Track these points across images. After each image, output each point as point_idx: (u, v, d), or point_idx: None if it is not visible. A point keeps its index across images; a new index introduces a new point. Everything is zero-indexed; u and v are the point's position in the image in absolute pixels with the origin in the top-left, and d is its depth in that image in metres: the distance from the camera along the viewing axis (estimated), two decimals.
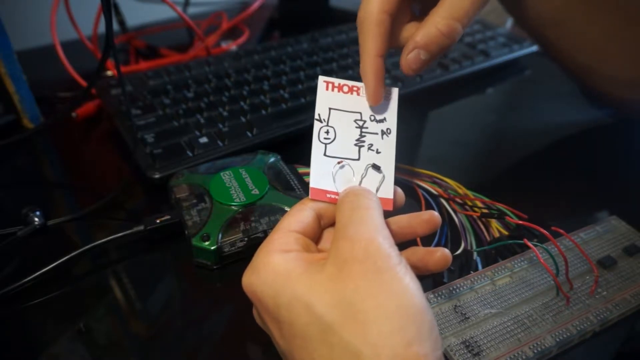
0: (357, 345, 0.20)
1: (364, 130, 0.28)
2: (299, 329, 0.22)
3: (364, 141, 0.28)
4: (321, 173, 0.27)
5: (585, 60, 0.43)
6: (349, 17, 0.67)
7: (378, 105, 0.28)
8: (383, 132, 0.28)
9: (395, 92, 0.29)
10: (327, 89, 0.28)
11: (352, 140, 0.28)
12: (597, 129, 0.49)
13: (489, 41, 0.59)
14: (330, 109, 0.28)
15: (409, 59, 0.28)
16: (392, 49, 0.30)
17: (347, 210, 0.25)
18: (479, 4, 0.27)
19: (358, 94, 0.29)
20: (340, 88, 0.28)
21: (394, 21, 0.29)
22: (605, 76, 0.44)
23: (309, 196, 0.27)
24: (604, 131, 0.49)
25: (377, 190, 0.27)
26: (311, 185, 0.27)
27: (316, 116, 0.28)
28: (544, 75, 0.56)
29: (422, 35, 0.27)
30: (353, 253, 0.22)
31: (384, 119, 0.28)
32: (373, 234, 0.23)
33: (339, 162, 0.27)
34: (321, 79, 0.28)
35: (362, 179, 0.27)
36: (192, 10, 0.71)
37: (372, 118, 0.28)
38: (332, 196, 0.27)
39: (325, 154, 0.28)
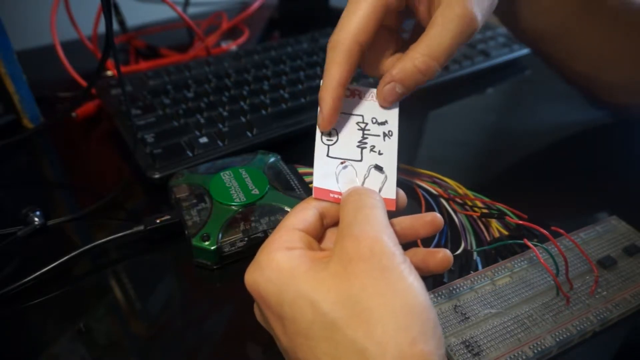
0: (362, 342, 0.20)
1: (366, 132, 0.28)
2: (303, 327, 0.22)
3: (366, 143, 0.28)
4: (324, 173, 0.27)
5: (584, 69, 0.43)
6: None
7: (380, 108, 0.29)
8: (385, 134, 0.28)
9: None
10: None
11: (354, 141, 0.28)
12: (597, 129, 0.49)
13: (489, 41, 0.59)
14: None
15: (385, 91, 0.28)
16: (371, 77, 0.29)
17: (352, 209, 0.25)
18: (458, 43, 0.27)
19: (360, 97, 0.29)
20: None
21: (376, 51, 0.29)
22: (604, 84, 0.44)
23: (313, 195, 0.27)
24: (604, 131, 0.49)
25: (379, 191, 0.27)
26: (314, 184, 0.27)
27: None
28: (544, 75, 0.56)
29: (399, 70, 0.27)
30: (358, 251, 0.22)
31: (386, 121, 0.29)
32: (378, 232, 0.23)
33: (341, 163, 0.28)
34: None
35: (364, 179, 0.28)
36: (192, 10, 0.71)
37: (374, 120, 0.29)
38: (335, 196, 0.27)
39: (328, 155, 0.28)
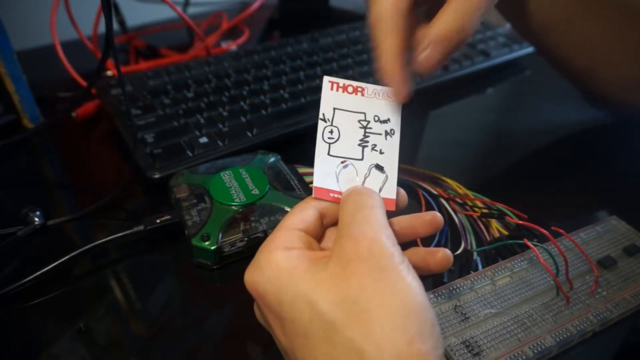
0: (360, 343, 0.20)
1: (367, 130, 0.28)
2: (302, 327, 0.22)
3: (367, 141, 0.28)
4: (324, 172, 0.27)
5: (585, 64, 0.43)
6: (349, 17, 0.67)
7: (382, 107, 0.28)
8: (387, 133, 0.28)
9: None
10: (331, 89, 0.28)
11: (355, 140, 0.28)
12: (597, 129, 0.49)
13: (489, 41, 0.59)
14: (334, 109, 0.28)
15: (422, 57, 0.27)
16: None
17: (351, 209, 0.25)
18: (488, 1, 0.27)
19: (362, 95, 0.29)
20: (345, 88, 0.29)
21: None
22: (604, 80, 0.44)
23: (312, 195, 0.27)
24: (604, 131, 0.49)
25: (380, 190, 0.27)
26: (314, 184, 0.27)
27: (320, 116, 0.28)
28: (544, 75, 0.56)
29: (435, 31, 0.27)
30: (357, 252, 0.22)
31: (388, 119, 0.28)
32: (377, 233, 0.23)
33: (342, 162, 0.28)
34: (326, 79, 0.28)
35: (365, 178, 0.27)
36: (192, 10, 0.71)
37: (376, 119, 0.28)
38: (335, 195, 0.27)
39: (329, 154, 0.28)
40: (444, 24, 0.27)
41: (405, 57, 0.27)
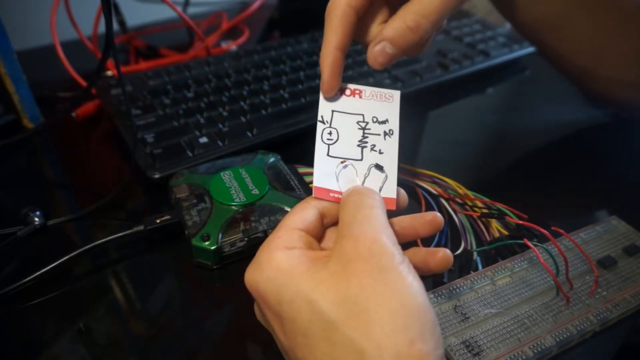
0: (360, 342, 0.20)
1: (366, 131, 0.28)
2: (302, 326, 0.22)
3: (366, 142, 0.28)
4: (324, 172, 0.27)
5: (584, 63, 0.43)
6: None
7: (380, 108, 0.29)
8: (385, 133, 0.28)
9: (397, 94, 0.30)
10: None
11: (354, 141, 0.28)
12: (597, 129, 0.49)
13: (489, 41, 0.59)
14: (333, 111, 0.29)
15: (375, 51, 0.28)
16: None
17: (352, 209, 0.25)
18: (450, 5, 0.27)
19: (360, 97, 0.29)
20: (342, 91, 0.29)
21: (369, 18, 0.29)
22: (604, 78, 0.44)
23: (313, 195, 0.27)
24: (604, 131, 0.49)
25: (380, 190, 0.27)
26: (315, 184, 0.27)
27: (319, 118, 0.28)
28: (544, 75, 0.56)
29: (390, 28, 0.27)
30: (357, 251, 0.22)
31: (387, 120, 0.29)
32: (377, 233, 0.23)
33: (342, 162, 0.28)
34: None
35: (365, 178, 0.28)
36: (192, 10, 0.71)
37: (375, 120, 0.28)
38: (336, 195, 0.27)
39: (328, 154, 0.28)
40: (399, 22, 0.27)
41: (343, 53, 0.28)
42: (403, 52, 0.28)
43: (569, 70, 0.46)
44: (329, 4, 0.28)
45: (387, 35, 0.27)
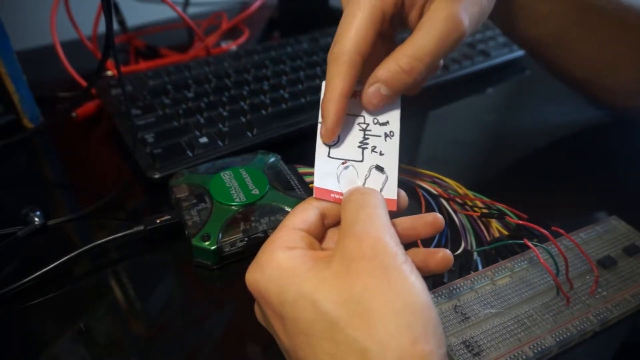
0: (363, 342, 0.20)
1: (367, 132, 0.28)
2: (304, 326, 0.22)
3: (367, 143, 0.28)
4: (325, 173, 0.27)
5: (583, 75, 0.43)
6: None
7: (381, 109, 0.29)
8: (386, 135, 0.28)
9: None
10: None
11: (355, 142, 0.28)
12: (597, 129, 0.49)
13: (489, 41, 0.59)
14: None
15: (369, 92, 0.27)
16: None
17: (354, 208, 0.25)
18: (444, 48, 0.27)
19: (361, 98, 0.29)
20: None
21: (372, 58, 0.28)
22: (603, 88, 0.44)
23: (313, 195, 0.27)
24: (604, 131, 0.49)
25: (380, 191, 0.27)
26: (315, 184, 0.27)
27: (319, 119, 0.28)
28: (544, 76, 0.56)
29: (383, 70, 0.27)
30: (360, 251, 0.22)
31: (387, 122, 0.29)
32: (380, 232, 0.23)
33: (342, 163, 0.28)
34: (324, 84, 0.29)
35: (365, 179, 0.28)
36: (192, 10, 0.71)
37: (375, 121, 0.29)
38: (336, 196, 0.27)
39: (329, 156, 0.28)
40: (393, 64, 0.27)
41: (347, 102, 0.27)
42: (397, 93, 0.28)
43: (568, 81, 0.46)
44: (335, 49, 0.27)
45: (381, 77, 0.27)
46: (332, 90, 0.27)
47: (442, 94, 0.53)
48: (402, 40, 0.28)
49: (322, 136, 0.28)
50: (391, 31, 0.31)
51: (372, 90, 0.27)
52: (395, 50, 0.27)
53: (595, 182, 0.42)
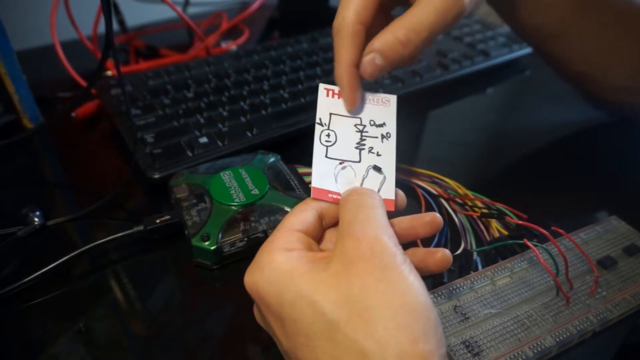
0: (363, 342, 0.20)
1: (364, 134, 0.29)
2: (303, 327, 0.22)
3: (364, 144, 0.28)
4: (323, 173, 0.27)
5: (584, 69, 0.43)
6: None
7: (377, 112, 0.29)
8: (383, 136, 0.29)
9: (394, 98, 0.30)
10: (327, 95, 0.29)
11: (352, 143, 0.28)
12: (597, 129, 0.49)
13: (489, 41, 0.59)
14: (330, 114, 0.29)
15: (365, 61, 0.28)
16: None
17: (352, 208, 0.25)
18: (443, 23, 0.27)
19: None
20: (340, 95, 0.29)
21: (371, 31, 0.29)
22: (604, 83, 0.44)
23: (311, 195, 0.27)
24: (604, 131, 0.49)
25: (378, 191, 0.27)
26: (313, 184, 0.27)
27: (317, 120, 0.28)
28: (544, 75, 0.56)
29: (380, 41, 0.27)
30: (359, 251, 0.22)
31: (384, 123, 0.29)
32: (378, 232, 0.23)
33: (340, 163, 0.28)
34: (322, 86, 0.29)
35: (363, 179, 0.28)
36: (192, 10, 0.71)
37: (372, 123, 0.29)
38: (334, 196, 0.27)
39: (326, 156, 0.28)
40: (390, 35, 0.27)
41: (357, 68, 0.28)
42: (392, 64, 0.28)
43: (569, 75, 0.46)
44: (337, 23, 0.28)
45: (377, 47, 0.27)
46: (340, 63, 0.28)
47: (442, 94, 0.53)
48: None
49: (346, 106, 0.29)
50: (390, 4, 0.31)
51: (368, 59, 0.27)
52: (393, 22, 0.27)
53: (595, 182, 0.42)
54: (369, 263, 0.22)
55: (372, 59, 0.27)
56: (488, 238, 0.35)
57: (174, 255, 0.35)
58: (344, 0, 0.28)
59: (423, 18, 0.27)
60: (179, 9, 0.56)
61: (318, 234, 0.27)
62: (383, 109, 0.29)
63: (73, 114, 0.48)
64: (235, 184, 0.36)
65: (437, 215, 0.28)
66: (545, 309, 0.29)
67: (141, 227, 0.34)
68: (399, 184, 0.28)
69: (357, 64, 0.28)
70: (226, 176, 0.37)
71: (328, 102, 0.29)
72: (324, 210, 0.27)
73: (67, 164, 0.45)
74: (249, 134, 0.43)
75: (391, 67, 0.28)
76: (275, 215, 0.34)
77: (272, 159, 0.39)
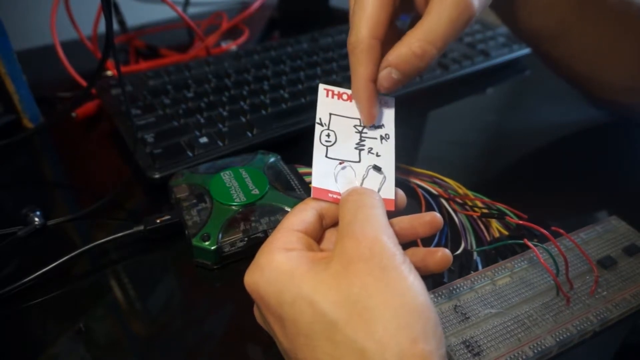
0: (362, 342, 0.20)
1: (363, 135, 0.29)
2: (303, 327, 0.22)
3: (364, 145, 0.28)
4: (323, 173, 0.27)
5: (583, 69, 0.43)
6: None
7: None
8: (382, 137, 0.29)
9: (392, 101, 0.30)
10: (327, 95, 0.29)
11: (352, 143, 0.28)
12: (597, 129, 0.49)
13: (489, 41, 0.59)
14: (330, 114, 0.29)
15: (381, 77, 0.28)
16: None
17: (352, 208, 0.25)
18: (455, 30, 0.27)
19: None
20: (339, 96, 0.29)
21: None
22: (603, 84, 0.44)
23: (311, 195, 0.27)
24: (604, 131, 0.49)
25: (378, 191, 0.27)
26: (313, 184, 0.27)
27: (317, 120, 0.29)
28: (544, 75, 0.56)
29: (395, 55, 0.27)
30: (359, 252, 0.22)
31: (382, 125, 0.29)
32: (378, 232, 0.23)
33: (340, 163, 0.28)
34: (321, 87, 0.29)
35: (363, 179, 0.28)
36: (192, 10, 0.71)
37: (370, 124, 0.29)
38: (334, 196, 0.27)
39: (326, 156, 0.28)
40: (404, 48, 0.27)
41: (374, 85, 0.28)
42: (409, 77, 0.28)
43: (568, 76, 0.46)
44: (352, 39, 0.27)
45: (392, 62, 0.27)
46: (357, 79, 0.28)
47: (442, 94, 0.53)
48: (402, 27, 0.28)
49: (364, 122, 0.29)
50: (396, 13, 0.31)
51: (384, 74, 0.27)
52: (406, 34, 0.27)
53: (595, 182, 0.42)
54: (368, 263, 0.22)
55: (388, 74, 0.27)
56: (488, 238, 0.35)
57: (174, 255, 0.35)
58: (357, 16, 0.27)
59: (436, 28, 0.27)
60: (179, 9, 0.56)
61: (318, 234, 0.27)
62: (382, 110, 0.29)
63: (73, 114, 0.48)
64: (236, 184, 0.36)
65: (437, 215, 0.28)
66: (546, 309, 0.29)
67: (141, 227, 0.34)
68: (399, 183, 0.28)
69: (374, 79, 0.27)
70: (226, 176, 0.37)
71: (328, 103, 0.29)
72: (324, 210, 0.27)
73: (67, 164, 0.45)
74: (249, 134, 0.43)
75: (408, 80, 0.28)
76: (275, 215, 0.34)
77: (272, 159, 0.39)
